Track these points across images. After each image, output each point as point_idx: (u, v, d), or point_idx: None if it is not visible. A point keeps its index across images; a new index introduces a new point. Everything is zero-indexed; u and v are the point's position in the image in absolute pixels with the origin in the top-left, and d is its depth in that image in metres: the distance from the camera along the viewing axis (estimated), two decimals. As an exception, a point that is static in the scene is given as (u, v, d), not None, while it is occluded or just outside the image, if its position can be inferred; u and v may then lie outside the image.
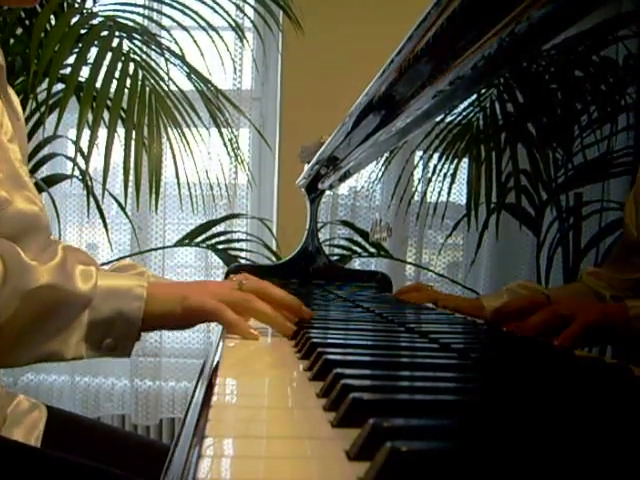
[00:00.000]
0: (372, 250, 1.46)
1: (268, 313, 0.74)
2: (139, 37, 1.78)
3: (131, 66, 1.68)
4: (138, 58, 1.73)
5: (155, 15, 2.13)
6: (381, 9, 2.31)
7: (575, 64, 0.65)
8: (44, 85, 1.63)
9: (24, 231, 0.78)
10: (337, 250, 1.74)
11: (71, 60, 1.65)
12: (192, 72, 1.81)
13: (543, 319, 0.65)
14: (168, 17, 1.97)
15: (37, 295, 0.62)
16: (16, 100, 0.93)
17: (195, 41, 1.82)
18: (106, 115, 1.63)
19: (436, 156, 1.06)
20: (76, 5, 1.82)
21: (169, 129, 1.72)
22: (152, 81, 1.72)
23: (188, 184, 1.79)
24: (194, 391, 0.48)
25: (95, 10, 1.83)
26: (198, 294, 0.73)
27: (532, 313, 0.66)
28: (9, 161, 0.81)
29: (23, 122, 0.93)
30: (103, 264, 2.12)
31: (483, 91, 0.86)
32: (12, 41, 1.70)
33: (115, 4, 1.90)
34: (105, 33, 1.68)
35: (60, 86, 1.74)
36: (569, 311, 0.63)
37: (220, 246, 2.11)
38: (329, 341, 0.64)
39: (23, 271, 0.62)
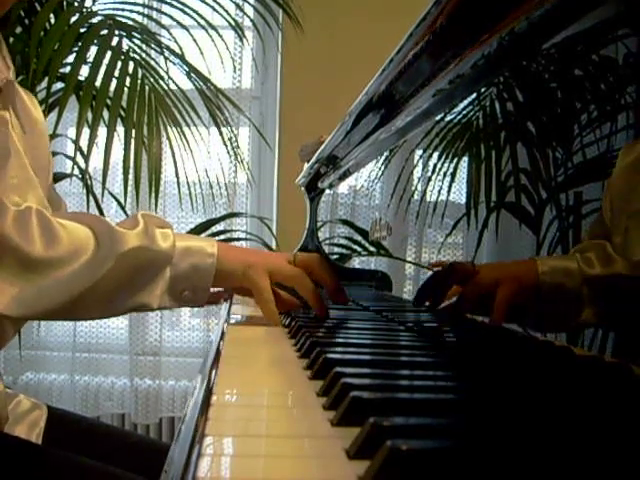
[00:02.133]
0: (372, 249, 1.46)
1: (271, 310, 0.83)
2: (139, 36, 1.78)
3: (131, 65, 1.68)
4: (138, 57, 1.73)
5: (155, 14, 2.13)
6: (381, 8, 2.31)
7: (575, 63, 0.65)
8: (44, 84, 1.63)
9: None
10: (337, 249, 1.74)
11: (71, 59, 1.65)
12: (192, 71, 1.81)
13: (469, 300, 0.74)
14: (168, 16, 1.97)
15: (129, 256, 0.72)
16: (32, 109, 0.94)
17: (195, 40, 1.82)
18: (106, 114, 1.63)
19: (436, 155, 1.06)
20: (76, 4, 1.82)
21: (169, 128, 1.71)
22: (152, 80, 1.71)
23: (188, 183, 1.79)
24: (194, 390, 0.48)
25: (95, 9, 1.82)
26: (259, 267, 0.82)
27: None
28: (24, 167, 0.85)
29: (42, 127, 0.95)
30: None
31: (483, 90, 0.86)
32: (12, 40, 1.70)
33: (115, 3, 1.90)
34: (105, 32, 1.68)
35: (60, 85, 1.74)
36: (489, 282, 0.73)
37: (220, 245, 2.11)
38: (329, 340, 0.64)
39: (114, 236, 0.72)
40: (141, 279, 0.74)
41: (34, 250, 0.69)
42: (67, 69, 1.67)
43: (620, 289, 0.52)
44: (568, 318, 0.57)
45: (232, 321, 0.87)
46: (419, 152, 1.14)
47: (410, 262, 1.18)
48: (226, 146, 1.88)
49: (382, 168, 1.38)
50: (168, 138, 1.72)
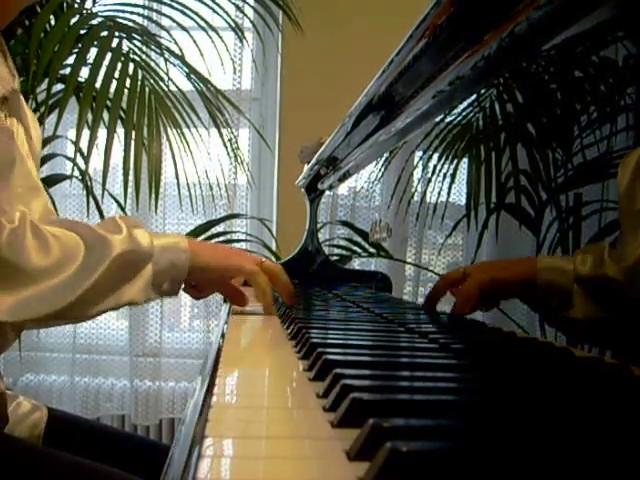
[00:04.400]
0: (372, 250, 1.46)
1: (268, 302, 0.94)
2: (139, 37, 1.78)
3: (131, 66, 1.68)
4: (138, 58, 1.73)
5: (155, 15, 2.13)
6: (381, 9, 2.31)
7: (575, 64, 0.65)
8: (44, 85, 1.63)
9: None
10: (337, 250, 1.74)
11: (71, 60, 1.65)
12: (192, 72, 1.81)
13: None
14: (168, 17, 1.97)
15: (117, 260, 0.78)
16: (32, 125, 0.98)
17: (195, 41, 1.82)
18: (106, 115, 1.63)
19: (436, 156, 1.06)
20: (76, 5, 1.82)
21: (169, 129, 1.72)
22: (152, 81, 1.72)
23: (188, 184, 1.79)
24: (194, 391, 0.48)
25: (95, 10, 1.83)
26: (237, 256, 0.93)
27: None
28: (28, 175, 0.90)
29: (36, 144, 0.99)
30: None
31: (483, 91, 0.86)
32: (12, 41, 1.70)
33: (115, 4, 1.90)
34: (105, 33, 1.68)
35: (60, 86, 1.74)
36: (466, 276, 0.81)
37: (220, 246, 2.11)
38: (329, 341, 0.64)
39: (103, 241, 0.78)
40: (128, 278, 0.81)
41: (29, 262, 0.73)
42: (67, 70, 1.67)
43: (607, 290, 0.54)
44: (559, 312, 0.61)
45: (232, 322, 0.87)
46: (419, 153, 1.14)
47: (410, 263, 1.18)
48: (226, 147, 1.88)
49: (382, 169, 1.38)
50: (168, 139, 1.73)
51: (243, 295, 0.98)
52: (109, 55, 1.64)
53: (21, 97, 0.96)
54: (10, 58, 0.94)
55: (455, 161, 0.98)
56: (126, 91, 1.64)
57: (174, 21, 1.91)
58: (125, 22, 1.82)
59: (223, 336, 0.73)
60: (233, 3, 2.07)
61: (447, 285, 0.91)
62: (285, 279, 0.97)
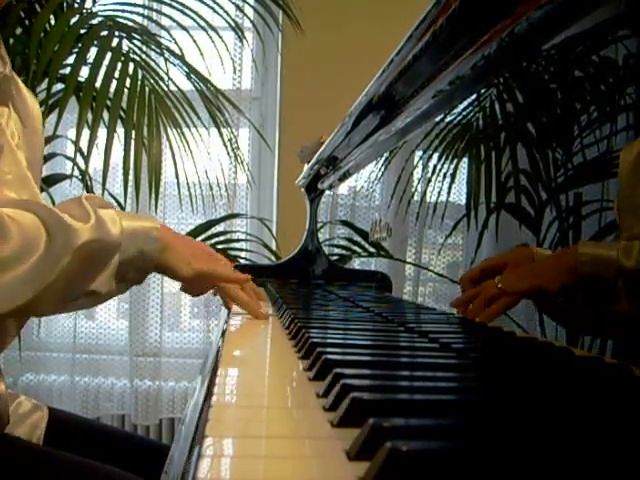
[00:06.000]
0: (372, 250, 1.46)
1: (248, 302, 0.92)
2: (139, 37, 1.78)
3: (131, 66, 1.68)
4: (138, 58, 1.73)
5: (155, 15, 2.13)
6: (381, 9, 2.31)
7: (575, 64, 0.65)
8: (44, 85, 1.63)
9: None
10: (337, 250, 1.74)
11: (71, 60, 1.65)
12: (192, 72, 1.81)
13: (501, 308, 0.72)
14: (168, 17, 1.97)
15: (83, 249, 0.72)
16: (31, 105, 0.94)
17: (195, 41, 1.82)
18: (106, 115, 1.63)
19: (436, 156, 1.06)
20: (76, 5, 1.82)
21: (169, 129, 1.72)
22: (152, 81, 1.72)
23: (188, 184, 1.79)
24: (194, 391, 0.48)
25: (95, 10, 1.83)
26: (206, 261, 0.88)
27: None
28: (18, 164, 0.84)
29: (37, 124, 0.95)
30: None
31: (483, 91, 0.86)
32: (12, 41, 1.70)
33: (115, 4, 1.90)
34: (105, 33, 1.68)
35: (60, 86, 1.74)
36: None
37: (220, 246, 2.11)
38: (329, 341, 0.64)
39: (69, 231, 0.71)
40: (94, 269, 0.75)
41: None
42: (67, 70, 1.67)
43: None
44: (604, 308, 0.55)
45: (232, 322, 0.87)
46: (419, 153, 1.14)
47: (410, 263, 1.18)
48: (226, 147, 1.88)
49: (382, 169, 1.38)
50: (168, 139, 1.73)
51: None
52: (109, 55, 1.64)
53: (17, 82, 0.91)
54: (2, 45, 0.87)
55: (455, 161, 0.98)
56: (126, 91, 1.64)
57: (174, 21, 1.91)
58: (125, 22, 1.82)
59: (223, 336, 0.73)
60: (233, 3, 2.07)
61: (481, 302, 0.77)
62: (254, 289, 0.95)
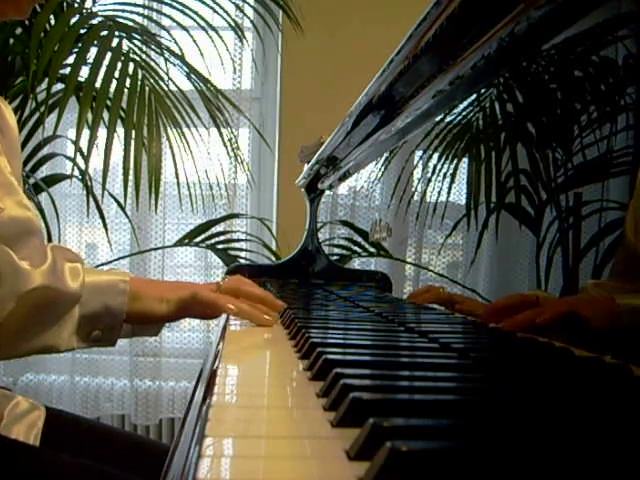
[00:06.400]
0: (372, 250, 1.46)
1: (245, 310, 0.82)
2: (139, 37, 1.78)
3: (131, 66, 1.68)
4: (138, 58, 1.73)
5: (155, 15, 2.13)
6: (381, 9, 2.31)
7: (575, 64, 0.65)
8: (44, 85, 1.63)
9: (18, 236, 0.79)
10: (337, 250, 1.74)
11: (71, 60, 1.65)
12: (192, 72, 1.81)
13: (528, 318, 0.67)
14: (168, 17, 1.97)
15: (32, 296, 0.67)
16: (7, 113, 0.92)
17: (195, 41, 1.82)
18: (106, 115, 1.63)
19: (436, 156, 1.06)
20: (76, 5, 1.82)
21: (169, 129, 1.72)
22: (152, 81, 1.71)
23: (188, 184, 1.79)
24: (194, 391, 0.48)
25: (95, 10, 1.82)
26: (184, 288, 0.80)
27: (519, 311, 0.69)
28: (1, 171, 0.82)
29: (14, 134, 0.93)
30: (103, 264, 2.13)
31: (483, 91, 0.86)
32: (12, 41, 1.70)
33: (115, 4, 1.90)
34: (105, 33, 1.68)
35: (60, 86, 1.74)
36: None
37: (220, 246, 2.11)
38: (329, 341, 0.64)
39: (18, 275, 0.67)
40: (47, 320, 0.70)
41: None
42: (67, 70, 1.67)
43: None
44: None
45: (232, 322, 0.87)
46: (419, 153, 1.14)
47: (410, 263, 1.18)
48: (226, 147, 1.88)
49: (382, 169, 1.38)
50: (168, 139, 1.72)
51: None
52: (109, 55, 1.64)
53: None
54: None
55: (455, 161, 0.98)
56: (126, 91, 1.64)
57: (174, 21, 1.91)
58: (125, 22, 1.82)
59: (223, 336, 0.73)
60: (233, 3, 2.07)
61: (519, 306, 0.73)
62: (249, 289, 0.86)
